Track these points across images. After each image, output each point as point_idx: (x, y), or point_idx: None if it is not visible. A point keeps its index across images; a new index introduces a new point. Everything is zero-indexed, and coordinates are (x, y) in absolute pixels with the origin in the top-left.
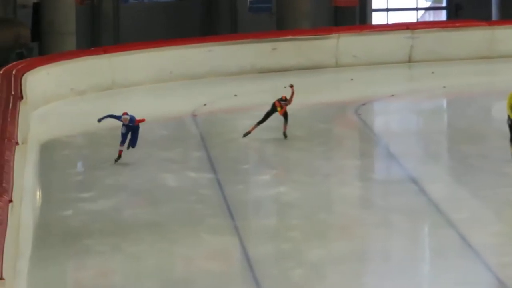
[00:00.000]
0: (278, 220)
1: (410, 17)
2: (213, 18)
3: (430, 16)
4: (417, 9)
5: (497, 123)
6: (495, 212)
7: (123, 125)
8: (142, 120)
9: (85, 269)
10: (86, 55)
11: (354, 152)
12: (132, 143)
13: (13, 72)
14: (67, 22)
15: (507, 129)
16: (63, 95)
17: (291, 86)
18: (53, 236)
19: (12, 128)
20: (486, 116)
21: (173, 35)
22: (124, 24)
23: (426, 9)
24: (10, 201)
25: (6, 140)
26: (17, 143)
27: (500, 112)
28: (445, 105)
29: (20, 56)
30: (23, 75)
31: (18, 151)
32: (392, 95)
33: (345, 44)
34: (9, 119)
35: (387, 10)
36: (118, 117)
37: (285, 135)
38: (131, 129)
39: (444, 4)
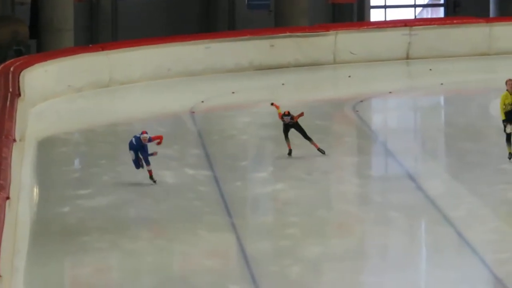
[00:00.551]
0: (276, 217)
1: (408, 14)
2: (211, 15)
3: (428, 13)
4: (415, 6)
5: (495, 120)
6: (493, 209)
7: (132, 150)
8: (159, 137)
9: (82, 266)
10: (84, 52)
11: (352, 149)
12: (146, 161)
13: (11, 69)
14: (65, 19)
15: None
16: (61, 92)
17: (301, 114)
18: (51, 233)
19: (10, 125)
20: (484, 113)
21: (171, 32)
22: (122, 22)
23: (424, 6)
24: (8, 198)
25: (3, 137)
26: (14, 140)
27: (498, 109)
28: (443, 102)
29: (18, 53)
30: (21, 72)
31: (16, 148)
32: (390, 92)
33: (343, 41)
34: (6, 116)
35: (385, 7)
36: (132, 144)
37: (322, 151)
38: (140, 150)
39: (442, 1)
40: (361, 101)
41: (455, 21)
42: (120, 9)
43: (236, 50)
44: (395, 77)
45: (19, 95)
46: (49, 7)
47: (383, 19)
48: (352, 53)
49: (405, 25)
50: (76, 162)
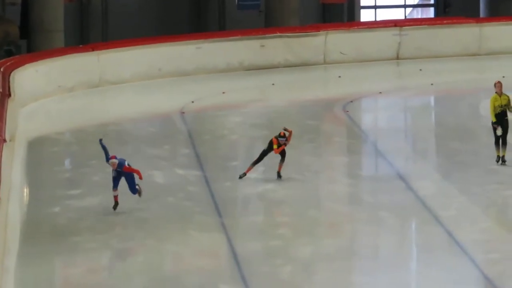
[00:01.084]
0: (267, 217)
1: (398, 14)
2: (201, 15)
3: (418, 13)
4: (405, 6)
5: (485, 120)
6: (483, 209)
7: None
8: (134, 171)
9: (74, 266)
10: (75, 52)
11: (342, 149)
12: (131, 189)
13: (1, 70)
14: (56, 20)
15: None
16: (52, 92)
17: (288, 130)
18: (41, 234)
19: (0, 126)
20: (474, 113)
21: (162, 32)
22: (113, 21)
23: (414, 6)
24: None
25: None
26: (4, 141)
27: (488, 109)
28: (433, 102)
29: (9, 54)
30: (11, 72)
31: (6, 149)
32: (380, 92)
33: (333, 41)
34: None
35: (375, 7)
36: (106, 156)
37: (279, 175)
38: (122, 174)
39: (432, 1)
40: (351, 101)
41: (445, 21)
42: (110, 9)
43: (227, 50)
44: (385, 77)
45: (9, 95)
46: (40, 8)
47: (373, 19)
48: (342, 53)
49: (395, 25)
50: (67, 162)
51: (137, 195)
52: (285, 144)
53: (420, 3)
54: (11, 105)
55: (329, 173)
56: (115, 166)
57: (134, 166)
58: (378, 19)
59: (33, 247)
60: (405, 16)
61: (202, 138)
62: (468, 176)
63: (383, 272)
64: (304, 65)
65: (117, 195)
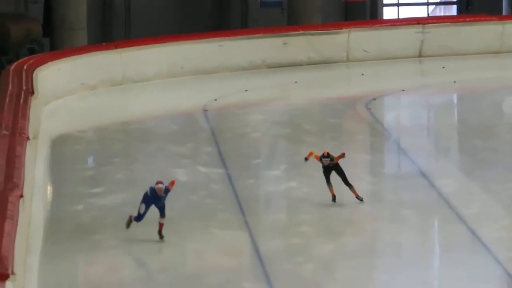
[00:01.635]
0: (289, 215)
1: (421, 12)
2: (224, 12)
3: (441, 11)
4: (428, 4)
5: (508, 117)
6: (505, 207)
7: (143, 203)
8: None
9: (96, 264)
10: (97, 50)
11: (364, 146)
12: (162, 213)
13: (24, 67)
14: (78, 18)
15: None
16: (74, 90)
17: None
18: (64, 231)
19: (23, 123)
20: (496, 110)
21: (183, 30)
22: (135, 19)
23: (437, 3)
24: (21, 196)
25: (17, 135)
26: (28, 138)
27: (511, 106)
28: (455, 99)
29: (32, 51)
30: (34, 70)
31: (29, 146)
32: (403, 90)
33: (356, 38)
34: (20, 114)
35: (398, 5)
36: (147, 196)
37: (359, 198)
38: (156, 199)
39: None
40: (374, 99)
41: (467, 19)
42: (133, 6)
43: (249, 48)
44: (407, 75)
45: (32, 93)
46: (62, 6)
47: (396, 17)
48: (365, 50)
49: (418, 23)
50: (89, 160)
51: (161, 221)
52: (332, 160)
53: (443, 0)
54: (34, 103)
55: (351, 170)
56: (162, 191)
57: (157, 164)
58: (400, 16)
59: (56, 245)
60: (428, 14)
61: (225, 136)
62: (490, 174)
63: (404, 270)
64: (326, 62)
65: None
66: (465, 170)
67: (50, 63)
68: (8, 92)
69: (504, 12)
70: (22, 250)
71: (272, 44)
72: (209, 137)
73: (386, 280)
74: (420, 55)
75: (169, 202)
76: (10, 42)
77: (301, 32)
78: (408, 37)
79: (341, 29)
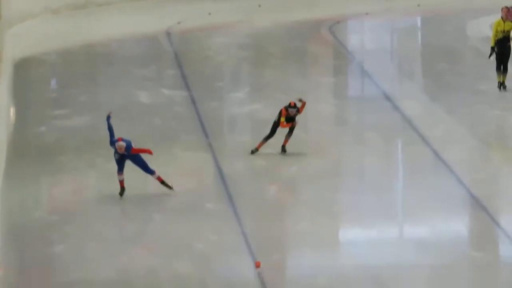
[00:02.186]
0: (253, 137)
1: None
2: None
3: None
4: None
5: (472, 40)
6: (469, 129)
7: (116, 152)
8: (144, 151)
9: (60, 185)
10: None
11: (328, 69)
12: (146, 170)
13: None
14: None
15: (482, 47)
16: (38, 13)
17: (301, 100)
18: (28, 153)
19: None
20: (461, 34)
21: None
22: None
23: None
24: None
25: None
26: None
27: (475, 30)
28: (419, 23)
29: None
30: None
31: None
32: (367, 13)
33: None
34: None
35: None
36: (111, 138)
37: (283, 149)
38: (127, 157)
39: None
40: (338, 23)
41: None
42: None
43: None
44: None
45: None
46: None
47: None
48: None
49: None
50: (53, 82)
51: (155, 177)
52: (294, 114)
53: None
54: None
55: (315, 93)
56: (122, 149)
57: (121, 86)
58: None
59: (20, 167)
60: None
61: (188, 58)
62: (454, 97)
63: (368, 191)
64: None
65: (123, 180)
66: (429, 93)
67: None
68: None
69: None
70: None
71: None
72: (173, 60)
73: (350, 201)
74: None
75: (133, 125)
76: None
77: None
78: None
79: None
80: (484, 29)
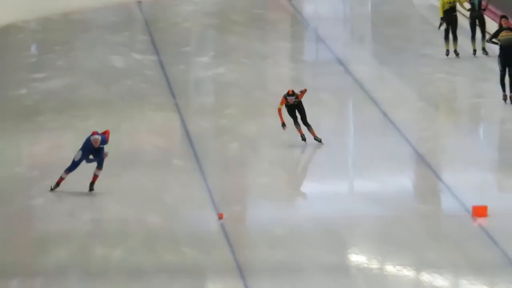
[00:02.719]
0: (217, 98)
1: None
2: None
3: None
4: None
5: (418, 8)
6: (416, 91)
7: (82, 150)
8: (107, 132)
9: (38, 143)
10: None
11: (286, 35)
12: (99, 165)
13: None
14: None
15: (427, 14)
16: None
17: (302, 91)
18: (9, 114)
19: None
20: (408, 2)
21: None
22: None
23: None
24: None
25: None
26: None
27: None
28: None
29: None
30: None
31: None
32: None
33: None
34: None
35: None
36: (86, 145)
37: (318, 139)
38: (95, 151)
39: None
40: None
41: None
42: None
43: None
44: None
45: None
46: None
47: None
48: None
49: None
50: (32, 48)
51: (97, 173)
52: (295, 103)
53: None
54: None
55: (274, 57)
56: (98, 143)
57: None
58: None
59: (2, 126)
60: None
61: (158, 25)
62: (402, 60)
63: (323, 149)
64: None
65: (64, 179)
66: (378, 57)
67: None
68: None
69: None
70: None
71: None
72: (143, 26)
73: (307, 156)
74: None
75: (107, 86)
76: None
77: None
78: None
79: None
80: None
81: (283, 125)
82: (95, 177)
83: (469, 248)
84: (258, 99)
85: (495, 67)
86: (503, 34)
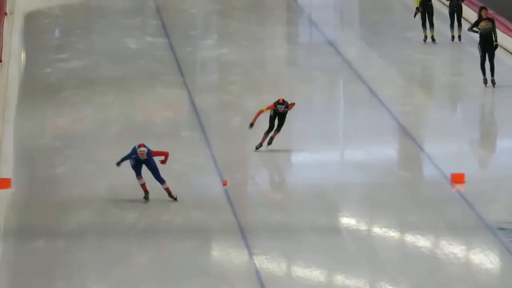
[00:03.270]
0: (220, 76)
1: None
2: None
3: None
4: None
5: None
6: (399, 70)
7: (132, 158)
8: (163, 153)
9: (61, 117)
10: None
11: (282, 20)
12: (157, 177)
13: None
14: None
15: (409, 1)
16: None
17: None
18: (36, 90)
19: (2, 1)
20: None
21: None
22: None
23: None
24: (0, 61)
25: None
26: (6, 14)
27: None
28: None
29: None
30: None
31: (7, 20)
32: None
33: None
34: None
35: None
36: (131, 155)
37: (270, 141)
38: (143, 162)
39: None
40: None
41: None
42: None
43: None
44: None
45: None
46: None
47: None
48: None
49: None
50: (56, 31)
51: (164, 187)
52: (284, 112)
53: None
54: None
55: (271, 40)
56: (144, 155)
57: (112, 35)
58: None
59: (29, 102)
60: None
61: (167, 11)
62: (386, 42)
63: (316, 122)
64: None
65: (144, 183)
66: (365, 40)
67: None
68: None
69: None
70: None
71: None
72: (155, 12)
73: (301, 129)
74: None
75: (122, 66)
76: None
77: None
78: None
79: None
80: None
81: (251, 125)
82: (168, 189)
83: (448, 211)
84: (257, 77)
85: (472, 50)
86: (483, 24)
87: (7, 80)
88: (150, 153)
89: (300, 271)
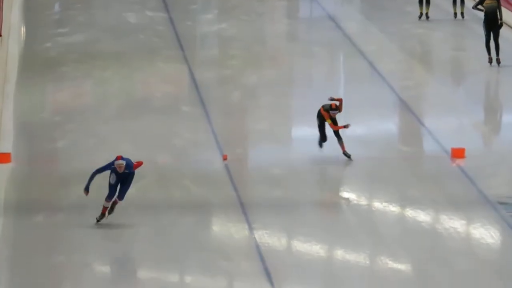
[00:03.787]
0: (220, 51)
1: None
2: None
3: None
4: None
5: None
6: (399, 45)
7: (113, 172)
8: (140, 163)
9: (62, 91)
10: None
11: None
12: (120, 195)
13: None
14: None
15: None
16: None
17: (336, 99)
18: (35, 65)
19: None
20: None
21: None
22: None
23: None
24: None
25: None
26: None
27: None
28: None
29: None
30: None
31: None
32: None
33: None
34: None
35: None
36: (108, 167)
37: (346, 155)
38: (124, 176)
39: None
40: None
41: None
42: None
43: None
44: None
45: None
46: None
47: None
48: None
49: None
50: (56, 6)
51: (116, 203)
52: (334, 114)
53: None
54: None
55: (271, 15)
56: (123, 168)
57: (112, 9)
58: None
59: (29, 76)
60: None
61: None
62: (387, 17)
63: (316, 96)
64: None
65: (108, 207)
66: (366, 14)
67: None
68: None
69: None
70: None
71: None
72: None
73: (301, 104)
74: None
75: (122, 40)
76: None
77: None
78: None
79: None
80: None
81: (347, 125)
82: (115, 203)
83: (448, 186)
84: (257, 52)
85: (474, 26)
86: (487, 2)
87: (7, 55)
88: (131, 166)
89: (300, 246)
